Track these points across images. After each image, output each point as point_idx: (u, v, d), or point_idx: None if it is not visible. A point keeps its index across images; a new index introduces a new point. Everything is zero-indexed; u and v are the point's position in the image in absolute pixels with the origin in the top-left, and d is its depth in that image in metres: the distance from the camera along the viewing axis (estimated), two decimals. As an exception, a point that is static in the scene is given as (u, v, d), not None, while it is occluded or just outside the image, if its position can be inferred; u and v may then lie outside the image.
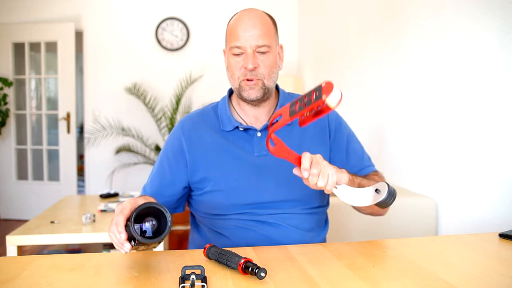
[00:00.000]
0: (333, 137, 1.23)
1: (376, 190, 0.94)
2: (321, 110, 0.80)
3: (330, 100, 0.75)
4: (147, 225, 0.85)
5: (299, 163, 0.93)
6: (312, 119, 0.82)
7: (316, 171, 0.92)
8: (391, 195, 0.91)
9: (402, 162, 2.33)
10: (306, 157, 0.92)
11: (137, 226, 0.85)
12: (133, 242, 0.85)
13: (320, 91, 0.76)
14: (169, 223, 0.84)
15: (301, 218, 1.16)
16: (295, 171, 0.94)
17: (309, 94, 0.79)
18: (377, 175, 1.24)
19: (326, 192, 0.95)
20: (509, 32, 1.58)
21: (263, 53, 1.12)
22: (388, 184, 0.93)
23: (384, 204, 0.92)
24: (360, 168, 1.23)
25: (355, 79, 2.97)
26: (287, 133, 1.19)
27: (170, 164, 1.20)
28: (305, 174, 0.92)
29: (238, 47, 1.12)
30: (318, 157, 0.96)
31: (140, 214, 0.85)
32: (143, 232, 0.86)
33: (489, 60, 1.68)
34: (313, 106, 0.77)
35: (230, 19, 1.18)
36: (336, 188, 0.96)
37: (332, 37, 3.43)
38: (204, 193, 1.18)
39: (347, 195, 0.97)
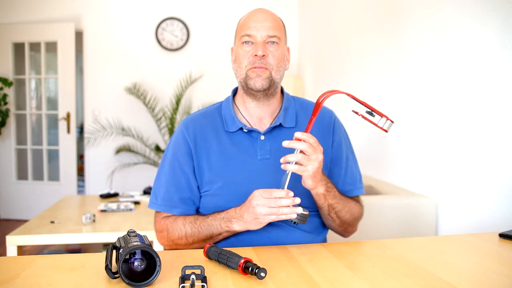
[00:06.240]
0: (336, 148, 1.23)
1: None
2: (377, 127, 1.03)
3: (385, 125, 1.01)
4: (136, 264, 0.82)
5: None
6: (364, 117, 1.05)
7: (311, 152, 0.99)
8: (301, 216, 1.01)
9: (402, 162, 2.33)
10: (311, 138, 1.00)
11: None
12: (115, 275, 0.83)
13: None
14: (158, 268, 0.81)
15: (302, 221, 1.16)
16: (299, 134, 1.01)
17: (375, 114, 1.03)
18: (357, 201, 1.25)
19: (283, 164, 1.01)
20: (509, 32, 1.58)
21: (273, 45, 1.14)
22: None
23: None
24: (351, 188, 1.23)
25: (355, 78, 2.97)
26: (290, 137, 1.19)
27: (182, 168, 1.18)
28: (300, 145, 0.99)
29: (248, 36, 1.13)
30: (321, 151, 1.02)
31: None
32: (131, 269, 0.83)
33: (489, 60, 1.68)
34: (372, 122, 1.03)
35: (241, 18, 1.20)
36: (287, 169, 1.01)
37: (332, 37, 3.43)
38: (207, 195, 1.17)
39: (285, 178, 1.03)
